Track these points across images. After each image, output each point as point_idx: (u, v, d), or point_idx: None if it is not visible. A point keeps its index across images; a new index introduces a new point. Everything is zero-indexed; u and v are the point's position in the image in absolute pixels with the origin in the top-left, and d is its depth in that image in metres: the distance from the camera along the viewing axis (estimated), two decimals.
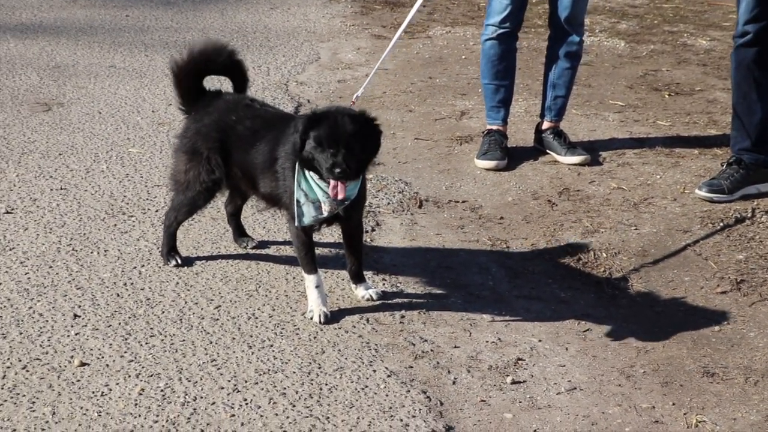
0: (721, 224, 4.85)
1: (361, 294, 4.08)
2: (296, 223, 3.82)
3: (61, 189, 4.96)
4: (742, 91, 5.09)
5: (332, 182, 3.68)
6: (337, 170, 3.63)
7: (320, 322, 3.84)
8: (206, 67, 4.19)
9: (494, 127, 5.71)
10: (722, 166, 5.27)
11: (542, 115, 5.81)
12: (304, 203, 3.77)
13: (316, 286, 3.90)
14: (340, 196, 3.69)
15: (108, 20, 8.38)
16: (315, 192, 3.75)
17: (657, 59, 7.90)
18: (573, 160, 5.62)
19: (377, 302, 4.05)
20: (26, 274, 4.10)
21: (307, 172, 3.75)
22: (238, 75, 4.26)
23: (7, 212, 4.66)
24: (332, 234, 4.46)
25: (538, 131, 5.83)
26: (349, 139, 3.67)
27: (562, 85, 5.70)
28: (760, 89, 5.04)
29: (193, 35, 8.06)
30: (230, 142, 4.02)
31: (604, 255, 4.60)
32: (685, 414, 3.42)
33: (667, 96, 6.97)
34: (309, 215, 3.78)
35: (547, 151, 5.74)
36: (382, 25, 8.77)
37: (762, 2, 4.88)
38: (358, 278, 4.11)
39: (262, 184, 3.99)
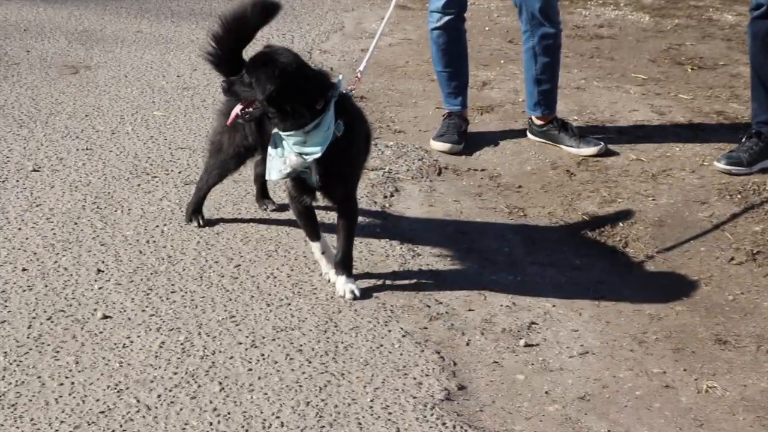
0: (739, 196, 4.87)
1: (339, 287, 3.82)
2: (266, 177, 3.80)
3: (87, 149, 5.05)
4: (758, 62, 5.09)
5: None
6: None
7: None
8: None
9: (453, 111, 5.56)
10: (742, 139, 5.28)
11: (531, 110, 5.50)
12: (273, 157, 3.69)
13: (322, 252, 3.90)
14: (231, 116, 3.69)
15: None
16: (283, 145, 3.66)
17: (681, 33, 7.88)
18: (588, 152, 5.37)
19: (394, 266, 4.10)
20: (52, 230, 4.19)
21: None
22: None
23: (35, 170, 4.75)
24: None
25: (533, 124, 5.56)
26: (248, 67, 3.62)
27: (548, 80, 5.40)
28: None
29: (219, 3, 8.10)
30: None
31: (621, 224, 4.64)
32: (696, 380, 3.47)
33: (690, 70, 6.96)
34: (276, 170, 3.68)
35: (553, 143, 5.47)
36: None
37: None
38: (340, 267, 3.83)
39: None
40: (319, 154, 3.59)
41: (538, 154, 5.43)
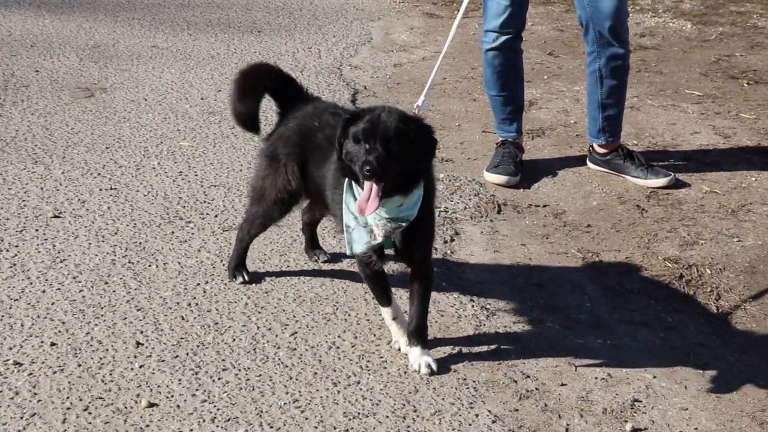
0: None
1: (413, 360, 3.36)
2: (348, 252, 3.29)
3: (111, 189, 4.55)
4: None
5: (365, 185, 3.07)
6: (367, 167, 3.01)
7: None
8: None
9: (508, 139, 5.09)
10: None
11: (594, 137, 5.05)
12: (354, 228, 3.22)
13: (394, 318, 3.44)
14: (371, 205, 3.07)
15: None
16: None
17: (728, 43, 7.42)
18: (657, 183, 4.92)
19: (468, 328, 3.64)
20: (80, 291, 3.69)
21: (355, 188, 3.19)
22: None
23: (55, 216, 4.24)
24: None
25: (594, 152, 5.10)
26: (389, 137, 3.07)
27: (614, 104, 4.94)
28: None
29: (236, 12, 7.61)
30: (308, 150, 3.57)
31: (708, 271, 4.18)
32: None
33: (746, 84, 6.50)
34: (361, 242, 3.21)
35: (617, 173, 5.03)
36: (433, 2, 8.30)
37: None
38: (414, 337, 3.38)
39: (332, 205, 3.44)
40: (414, 215, 3.16)
41: (602, 186, 4.97)
